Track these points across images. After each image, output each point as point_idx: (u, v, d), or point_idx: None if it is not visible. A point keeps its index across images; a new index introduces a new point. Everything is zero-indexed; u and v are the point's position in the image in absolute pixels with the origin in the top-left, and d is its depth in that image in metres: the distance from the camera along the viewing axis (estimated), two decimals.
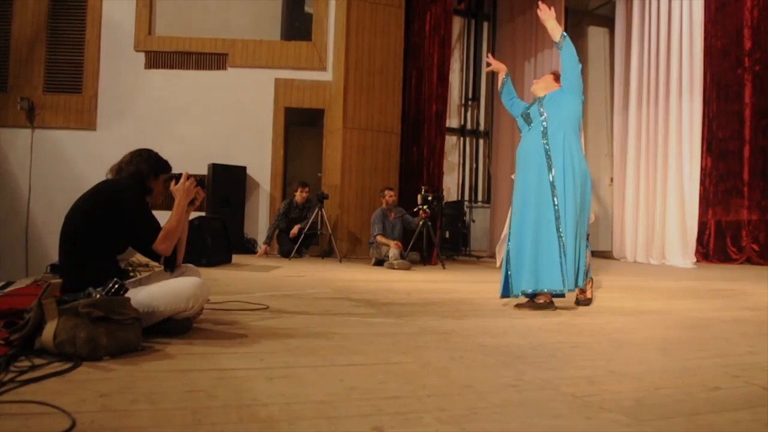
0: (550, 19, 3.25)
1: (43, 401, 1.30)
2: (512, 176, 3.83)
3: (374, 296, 3.68)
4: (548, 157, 3.15)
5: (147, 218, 2.27)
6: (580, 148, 3.24)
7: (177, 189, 2.40)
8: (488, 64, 3.78)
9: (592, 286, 3.51)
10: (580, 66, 3.25)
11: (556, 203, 3.08)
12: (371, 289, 4.10)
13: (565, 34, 3.24)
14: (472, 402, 1.44)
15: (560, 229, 3.05)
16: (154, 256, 2.34)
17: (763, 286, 4.83)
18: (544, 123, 3.22)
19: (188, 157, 7.67)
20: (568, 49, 3.22)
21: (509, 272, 3.22)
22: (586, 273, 3.30)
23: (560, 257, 3.02)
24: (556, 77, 3.41)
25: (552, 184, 3.11)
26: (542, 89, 3.40)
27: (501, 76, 3.71)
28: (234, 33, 9.12)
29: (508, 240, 3.31)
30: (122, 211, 2.20)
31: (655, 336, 2.49)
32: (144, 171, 2.37)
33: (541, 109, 3.26)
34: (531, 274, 3.08)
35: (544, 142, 3.18)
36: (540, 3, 3.33)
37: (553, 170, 3.12)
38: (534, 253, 3.08)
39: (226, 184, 8.36)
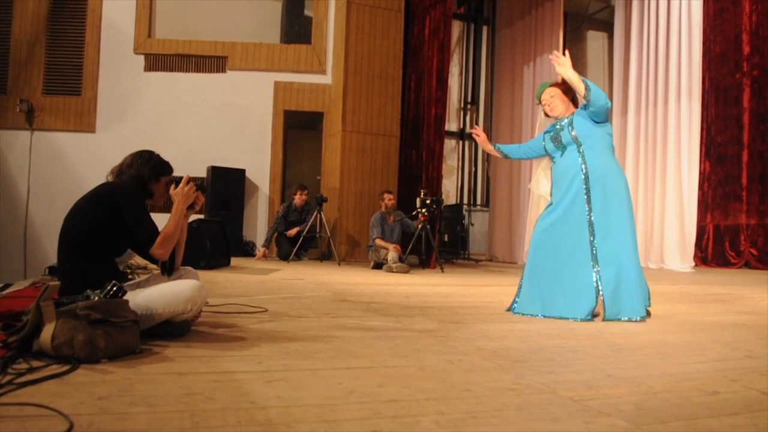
0: (570, 72, 3.03)
1: (41, 404, 1.30)
2: (529, 186, 3.76)
3: (373, 299, 3.68)
4: (586, 182, 3.04)
5: (145, 222, 2.26)
6: (618, 164, 3.15)
7: (176, 193, 2.40)
8: (477, 135, 3.69)
9: None
10: (609, 105, 3.06)
11: (594, 240, 3.00)
12: (370, 293, 4.10)
13: (587, 82, 3.02)
14: (470, 406, 1.44)
15: (594, 260, 2.98)
16: (152, 260, 2.33)
17: (761, 291, 4.84)
18: (581, 148, 3.10)
19: (187, 160, 7.68)
20: (597, 98, 3.00)
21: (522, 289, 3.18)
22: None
23: (588, 286, 2.97)
24: (564, 89, 3.26)
25: (590, 222, 3.02)
26: (563, 110, 3.24)
27: (489, 148, 3.62)
28: (234, 36, 9.14)
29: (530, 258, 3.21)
30: (121, 214, 2.20)
31: (654, 340, 2.49)
32: (145, 174, 2.36)
33: (573, 133, 3.12)
34: (541, 300, 3.05)
35: (583, 167, 3.07)
36: (554, 54, 3.12)
37: (591, 207, 3.02)
38: (555, 281, 3.03)
39: (225, 187, 8.37)
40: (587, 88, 2.99)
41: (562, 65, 3.05)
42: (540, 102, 3.37)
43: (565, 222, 3.09)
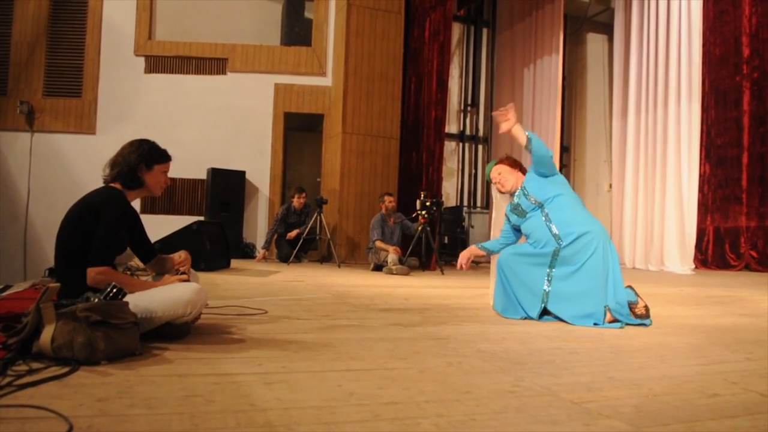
0: (514, 128, 3.05)
1: (41, 405, 1.30)
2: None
3: (372, 301, 3.68)
4: (557, 237, 3.04)
5: (105, 243, 2.18)
6: (585, 212, 3.13)
7: (169, 280, 2.35)
8: (462, 266, 3.54)
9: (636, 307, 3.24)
10: (550, 153, 3.11)
11: (550, 273, 3.03)
12: (370, 295, 4.10)
13: (529, 134, 3.06)
14: (470, 408, 1.44)
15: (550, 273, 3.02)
16: (84, 271, 2.19)
17: (761, 293, 4.84)
18: (544, 210, 3.11)
19: (188, 162, 7.70)
20: (539, 149, 3.05)
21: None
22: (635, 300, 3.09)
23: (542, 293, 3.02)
24: (509, 163, 3.32)
25: (554, 252, 3.03)
26: (513, 182, 3.28)
27: (477, 253, 3.56)
28: (234, 38, 9.14)
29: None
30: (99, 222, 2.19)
31: (654, 342, 2.49)
32: (132, 161, 2.34)
33: (531, 198, 3.15)
34: (515, 305, 3.10)
35: (549, 225, 3.07)
36: (498, 112, 3.12)
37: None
38: (518, 289, 3.09)
39: (225, 189, 8.37)
40: (529, 140, 3.03)
41: (508, 121, 3.05)
42: (490, 181, 3.42)
43: (532, 260, 3.10)
